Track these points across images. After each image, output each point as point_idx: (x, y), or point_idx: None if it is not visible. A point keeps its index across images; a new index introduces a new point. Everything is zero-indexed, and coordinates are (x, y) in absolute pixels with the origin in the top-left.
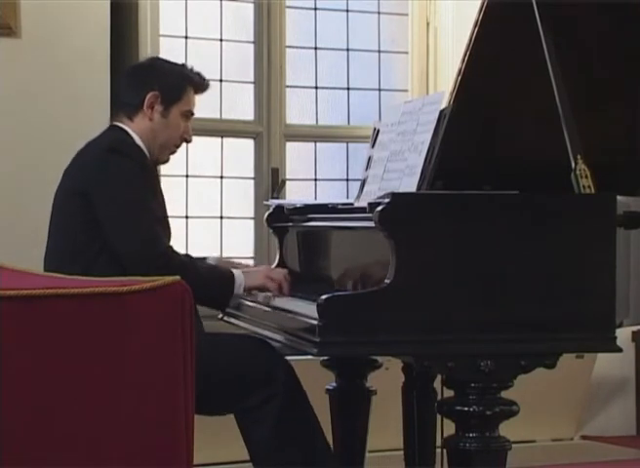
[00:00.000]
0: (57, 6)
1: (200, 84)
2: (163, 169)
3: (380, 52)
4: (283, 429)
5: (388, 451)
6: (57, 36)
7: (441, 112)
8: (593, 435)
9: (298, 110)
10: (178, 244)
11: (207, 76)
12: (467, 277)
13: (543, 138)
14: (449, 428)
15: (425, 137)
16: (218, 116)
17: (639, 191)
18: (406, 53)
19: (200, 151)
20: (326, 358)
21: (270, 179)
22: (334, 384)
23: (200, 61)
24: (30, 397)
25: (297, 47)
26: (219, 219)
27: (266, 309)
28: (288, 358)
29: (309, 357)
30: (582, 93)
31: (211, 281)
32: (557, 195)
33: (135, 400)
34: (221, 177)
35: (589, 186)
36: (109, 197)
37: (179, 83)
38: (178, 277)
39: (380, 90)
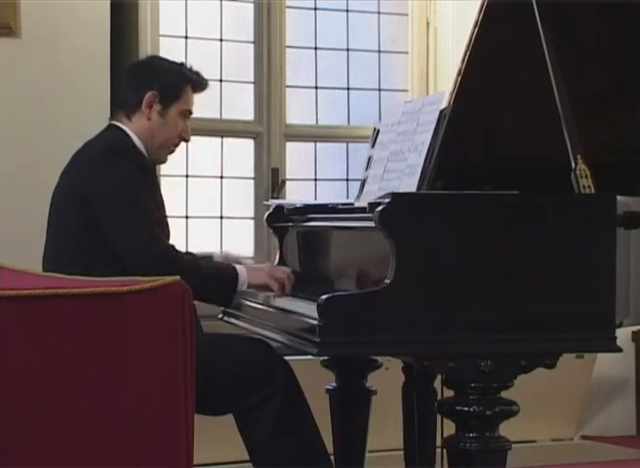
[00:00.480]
0: (57, 6)
1: (199, 83)
2: (163, 169)
3: (380, 52)
4: (282, 429)
5: (388, 451)
6: (57, 36)
7: (441, 112)
8: (593, 435)
9: (298, 110)
10: (177, 244)
11: (207, 76)
12: (467, 277)
13: (543, 139)
14: (449, 428)
15: (425, 137)
16: (218, 116)
17: (639, 191)
18: (406, 53)
19: (200, 151)
20: (326, 358)
21: (270, 179)
22: (334, 384)
23: (200, 61)
24: (30, 397)
25: (297, 47)
26: (219, 219)
27: (266, 309)
28: (288, 358)
29: (309, 357)
30: (582, 93)
31: (214, 278)
32: (557, 195)
33: (135, 400)
34: (221, 177)
35: (589, 186)
36: (108, 199)
37: (177, 82)
38: (178, 277)
39: (380, 90)
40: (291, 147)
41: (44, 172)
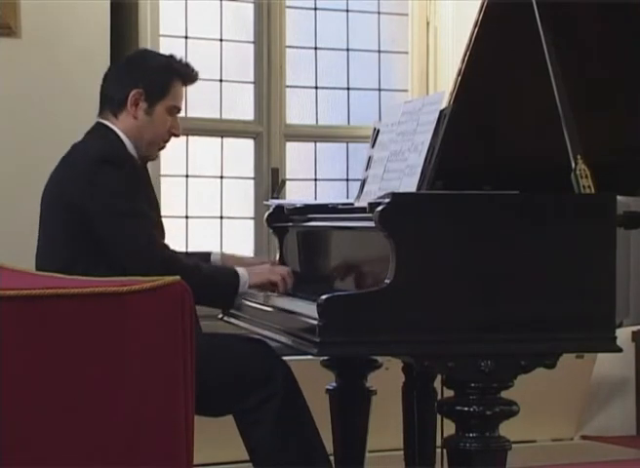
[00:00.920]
0: (57, 6)
1: (188, 75)
2: (163, 169)
3: (380, 52)
4: (282, 429)
5: (388, 451)
6: (57, 36)
7: (441, 112)
8: (593, 435)
9: (298, 110)
10: (178, 244)
11: (207, 76)
12: (467, 277)
13: (543, 138)
14: (449, 428)
15: (425, 137)
16: (218, 116)
17: (639, 191)
18: (406, 53)
19: (200, 151)
20: (326, 358)
21: (270, 179)
22: (334, 384)
23: (200, 61)
24: (30, 397)
25: (297, 47)
26: (219, 219)
27: (266, 309)
28: (288, 358)
29: (309, 357)
30: (582, 93)
31: (215, 281)
32: (557, 195)
33: (135, 400)
34: (221, 177)
35: (589, 186)
36: (102, 208)
37: (164, 78)
38: (178, 277)
39: (380, 90)
40: (291, 147)
41: (44, 172)
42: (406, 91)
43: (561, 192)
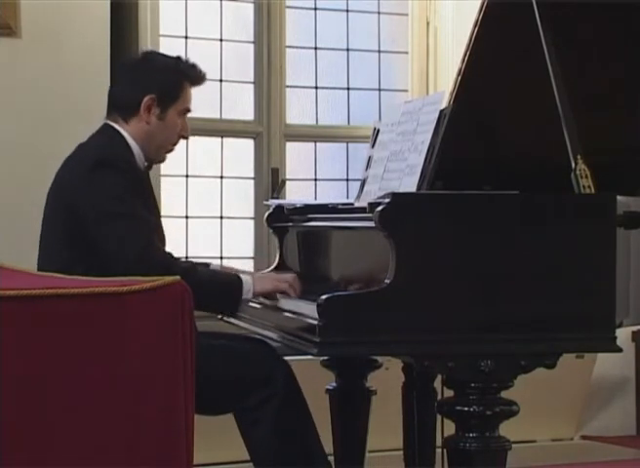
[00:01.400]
0: (57, 6)
1: (197, 77)
2: (163, 169)
3: (380, 52)
4: (282, 429)
5: (388, 451)
6: (57, 36)
7: (441, 112)
8: (593, 435)
9: (298, 110)
10: (178, 244)
11: (207, 76)
12: (467, 277)
13: (543, 139)
14: (449, 428)
15: (425, 137)
16: (218, 116)
17: (639, 191)
18: (406, 53)
19: (200, 151)
20: (326, 358)
21: (270, 179)
22: (334, 384)
23: (200, 61)
24: (30, 397)
25: (297, 47)
26: (219, 219)
27: (266, 309)
28: (288, 358)
29: (309, 357)
30: (582, 93)
31: (218, 287)
32: (557, 195)
33: (135, 400)
34: (221, 177)
35: (589, 186)
36: (96, 211)
37: (175, 82)
38: (177, 277)
39: (380, 90)
40: (291, 147)
41: (44, 172)
42: (406, 91)
43: (561, 192)
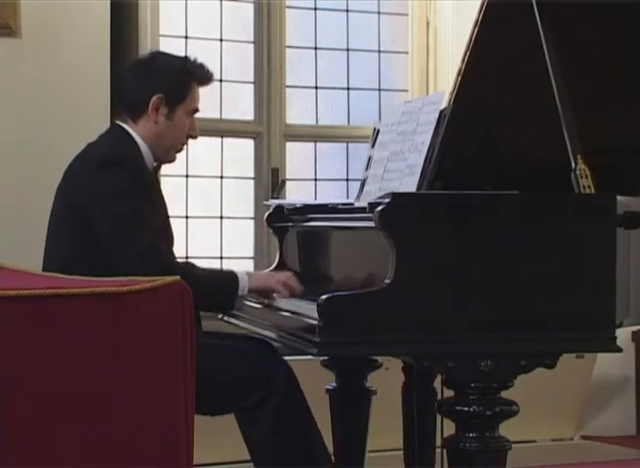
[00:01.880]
0: (57, 6)
1: (204, 77)
2: (163, 169)
3: (380, 52)
4: (282, 428)
5: (388, 451)
6: (57, 36)
7: (441, 112)
8: (593, 435)
9: (298, 110)
10: (178, 244)
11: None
12: (467, 277)
13: (543, 139)
14: (449, 428)
15: (425, 137)
16: (218, 116)
17: (639, 191)
18: (406, 53)
19: (200, 151)
20: (326, 358)
21: (270, 179)
22: (334, 384)
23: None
24: (30, 396)
25: (297, 47)
26: (219, 219)
27: (266, 309)
28: (288, 358)
29: (309, 357)
30: (582, 93)
31: (214, 283)
32: (557, 195)
33: (135, 400)
34: (221, 177)
35: (589, 186)
36: (103, 211)
37: (182, 82)
38: (177, 277)
39: (380, 90)
40: (291, 147)
41: (44, 172)
42: (406, 91)
43: (561, 192)
